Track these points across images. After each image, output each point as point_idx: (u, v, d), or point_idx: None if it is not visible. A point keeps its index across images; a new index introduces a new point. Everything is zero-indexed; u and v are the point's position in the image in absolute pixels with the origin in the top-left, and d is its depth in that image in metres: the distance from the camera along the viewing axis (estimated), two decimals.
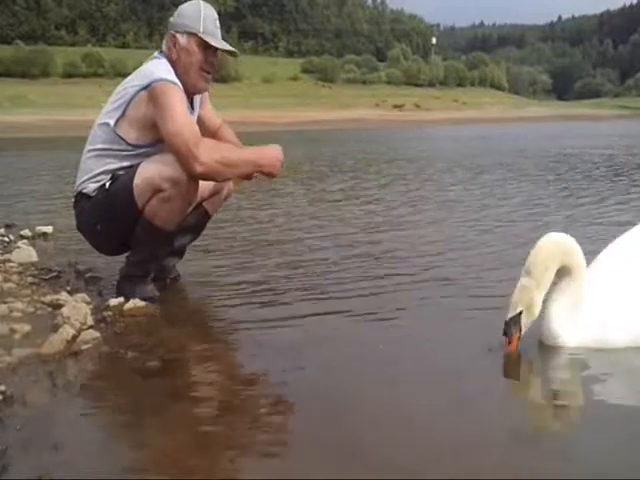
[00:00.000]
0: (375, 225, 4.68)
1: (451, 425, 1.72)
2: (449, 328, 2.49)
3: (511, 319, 2.17)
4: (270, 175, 2.78)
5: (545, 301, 2.23)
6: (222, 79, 51.97)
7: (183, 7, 2.80)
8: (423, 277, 3.19)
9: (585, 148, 13.46)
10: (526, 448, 1.62)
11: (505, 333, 2.17)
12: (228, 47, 2.82)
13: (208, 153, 2.56)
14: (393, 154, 12.63)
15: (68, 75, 52.14)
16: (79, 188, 2.79)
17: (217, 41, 2.76)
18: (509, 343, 2.17)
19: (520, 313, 2.17)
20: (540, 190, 6.60)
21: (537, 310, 2.20)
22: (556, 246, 2.20)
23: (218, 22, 2.81)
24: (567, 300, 2.22)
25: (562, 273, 2.22)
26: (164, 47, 2.79)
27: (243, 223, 4.76)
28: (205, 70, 2.78)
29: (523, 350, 2.22)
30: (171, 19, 2.81)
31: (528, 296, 2.17)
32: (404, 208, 5.51)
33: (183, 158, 2.55)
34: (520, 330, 2.18)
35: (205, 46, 2.73)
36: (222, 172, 2.66)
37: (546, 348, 2.26)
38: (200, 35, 2.72)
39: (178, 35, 2.73)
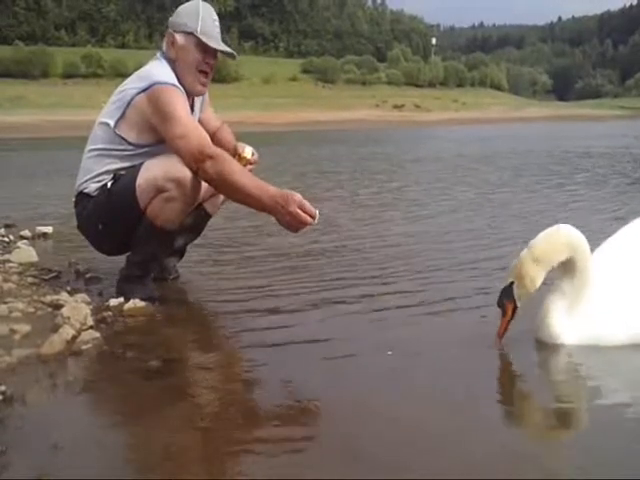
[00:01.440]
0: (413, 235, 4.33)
1: (452, 429, 1.72)
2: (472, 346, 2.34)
3: (503, 290, 2.21)
4: (284, 227, 2.52)
5: (544, 298, 2.24)
6: (222, 79, 51.91)
7: (182, 6, 2.80)
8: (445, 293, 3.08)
9: (609, 148, 13.37)
10: (528, 453, 1.62)
11: (498, 304, 2.21)
12: (226, 48, 2.80)
13: (213, 164, 2.51)
14: (411, 155, 12.29)
15: (68, 75, 52.08)
16: (80, 188, 2.79)
17: (214, 41, 2.74)
18: (503, 315, 2.20)
19: (511, 284, 2.19)
20: (595, 192, 6.35)
21: (530, 283, 2.17)
22: (565, 238, 2.19)
23: (217, 22, 2.80)
24: (567, 297, 2.22)
25: (567, 268, 2.20)
26: (164, 47, 2.79)
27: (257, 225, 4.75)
28: (202, 70, 2.76)
29: (522, 349, 2.23)
30: (170, 18, 2.80)
31: (523, 269, 2.17)
32: (447, 216, 5.08)
33: (187, 162, 2.54)
34: (515, 302, 2.19)
35: (203, 46, 2.72)
36: (220, 188, 2.63)
37: (544, 346, 2.26)
38: (197, 35, 2.70)
39: (176, 34, 2.73)
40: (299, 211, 2.44)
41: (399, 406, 1.84)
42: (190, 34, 2.71)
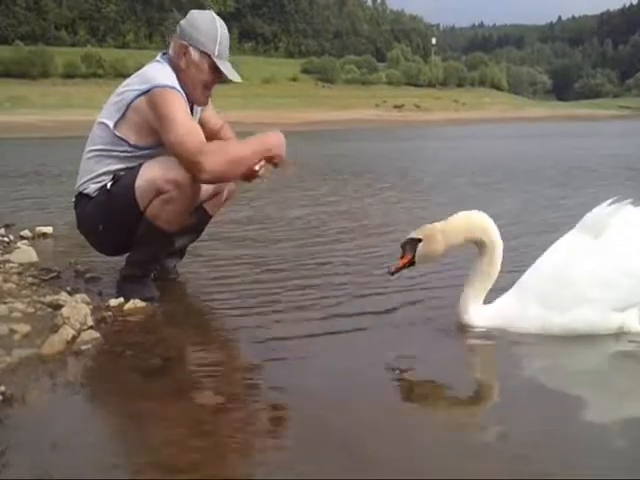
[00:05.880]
0: None
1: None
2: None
3: (410, 239, 2.40)
4: (278, 159, 2.72)
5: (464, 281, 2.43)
6: (222, 79, 51.82)
7: (198, 19, 2.74)
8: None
9: None
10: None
11: (401, 246, 2.41)
12: (237, 78, 2.81)
13: (213, 159, 2.55)
14: (441, 159, 11.58)
15: (68, 76, 52.08)
16: (80, 188, 2.79)
17: (227, 68, 2.75)
18: (401, 258, 2.40)
19: (419, 240, 2.36)
20: None
21: (433, 252, 2.36)
22: (475, 221, 2.38)
23: (228, 40, 2.79)
24: (479, 280, 2.39)
25: (480, 251, 2.39)
26: (171, 52, 2.76)
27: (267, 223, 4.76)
28: (209, 87, 2.79)
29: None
30: (183, 24, 2.74)
31: (430, 233, 2.35)
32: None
33: (188, 167, 2.56)
34: (413, 257, 2.37)
35: (215, 68, 2.73)
36: (230, 172, 2.67)
37: (460, 327, 2.42)
38: (214, 59, 2.71)
39: (191, 48, 2.71)
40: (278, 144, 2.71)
41: (398, 408, 1.84)
42: (206, 54, 2.71)
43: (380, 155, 12.53)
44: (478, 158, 11.30)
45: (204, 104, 2.89)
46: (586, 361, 2.28)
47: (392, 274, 2.43)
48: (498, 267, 2.41)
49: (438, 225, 2.39)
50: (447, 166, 9.71)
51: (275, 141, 2.71)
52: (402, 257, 2.41)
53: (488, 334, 2.38)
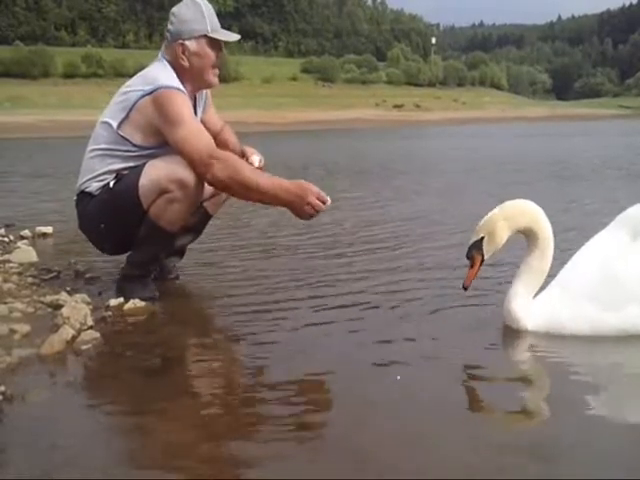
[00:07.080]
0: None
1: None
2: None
3: (473, 244, 2.34)
4: (299, 218, 2.61)
5: (512, 280, 2.38)
6: (222, 79, 51.55)
7: (181, 12, 2.74)
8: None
9: None
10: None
11: (467, 256, 2.36)
12: (235, 36, 2.84)
13: (223, 167, 2.54)
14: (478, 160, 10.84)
15: (68, 76, 52.12)
16: (82, 187, 2.79)
17: (224, 35, 2.79)
18: (471, 267, 2.35)
19: (482, 239, 2.33)
20: None
21: (499, 239, 2.33)
22: (530, 208, 2.35)
23: (213, 10, 2.80)
24: (529, 276, 2.34)
25: (530, 243, 2.35)
26: (167, 57, 2.75)
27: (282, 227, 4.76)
28: (216, 66, 2.80)
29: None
30: (172, 29, 2.73)
31: (492, 225, 2.32)
32: None
33: (196, 166, 2.56)
34: (482, 255, 2.33)
35: (214, 43, 2.75)
36: (234, 191, 2.63)
37: (507, 330, 2.37)
38: (210, 35, 2.73)
39: (187, 42, 2.71)
40: (317, 200, 2.52)
41: (398, 404, 1.84)
42: (202, 37, 2.72)
43: (390, 154, 12.50)
44: (493, 157, 11.29)
45: (216, 83, 2.87)
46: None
47: (466, 288, 2.37)
48: (549, 262, 2.35)
49: (497, 212, 2.33)
50: (470, 165, 9.64)
51: (295, 199, 2.51)
52: (471, 266, 2.35)
53: (534, 334, 2.32)
